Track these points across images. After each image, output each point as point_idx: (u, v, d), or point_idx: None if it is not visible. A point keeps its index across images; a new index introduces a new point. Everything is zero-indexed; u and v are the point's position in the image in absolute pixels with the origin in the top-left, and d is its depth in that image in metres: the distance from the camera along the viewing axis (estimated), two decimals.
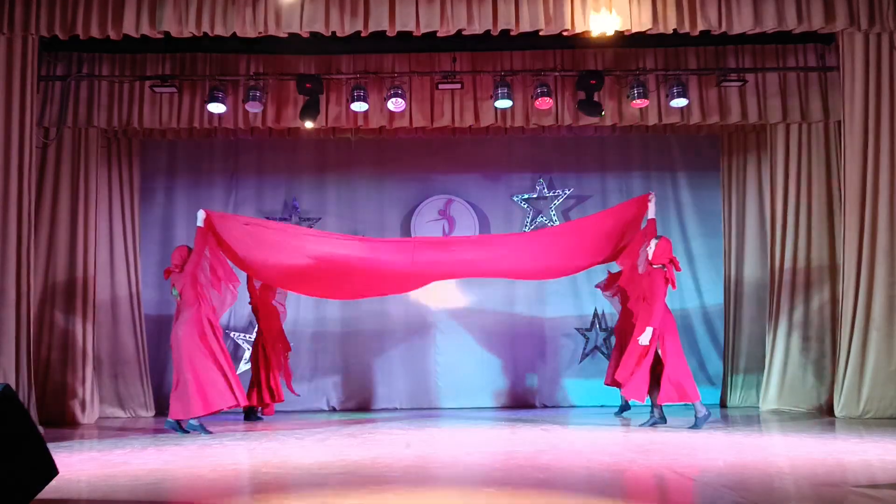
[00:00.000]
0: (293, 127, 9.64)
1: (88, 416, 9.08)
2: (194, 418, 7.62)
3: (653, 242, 7.75)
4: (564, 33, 8.31)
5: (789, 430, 7.46)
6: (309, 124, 9.26)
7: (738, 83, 9.23)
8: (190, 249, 7.97)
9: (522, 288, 10.77)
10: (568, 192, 10.80)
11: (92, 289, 9.27)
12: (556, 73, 9.33)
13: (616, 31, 8.24)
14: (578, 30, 8.18)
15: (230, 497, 4.73)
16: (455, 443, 6.98)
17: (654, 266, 7.67)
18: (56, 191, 9.20)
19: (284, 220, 10.72)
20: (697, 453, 6.11)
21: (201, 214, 8.06)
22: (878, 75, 8.43)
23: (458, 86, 9.23)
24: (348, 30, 8.14)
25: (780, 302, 9.46)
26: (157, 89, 9.19)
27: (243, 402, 7.86)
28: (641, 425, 7.87)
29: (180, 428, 7.63)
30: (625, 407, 9.31)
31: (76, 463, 5.86)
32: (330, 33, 8.19)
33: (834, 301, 9.22)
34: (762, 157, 10.08)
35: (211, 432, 7.66)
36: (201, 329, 7.65)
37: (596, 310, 10.62)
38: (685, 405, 7.84)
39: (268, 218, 10.71)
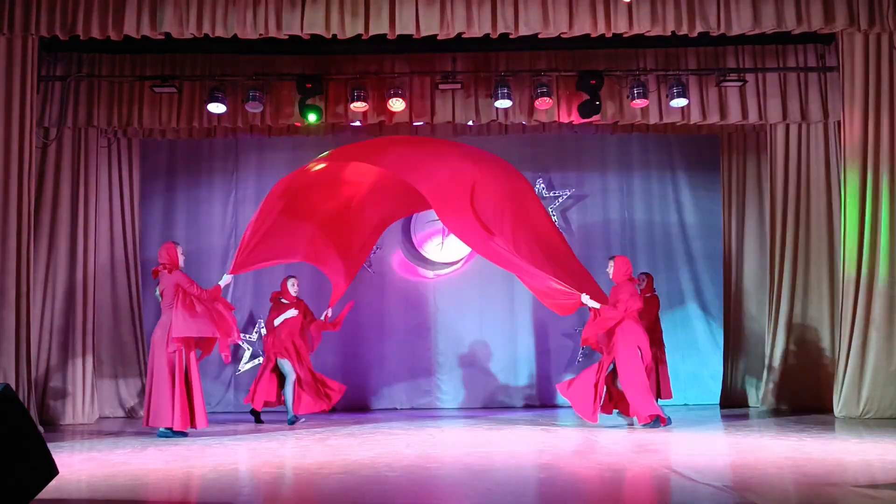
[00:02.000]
0: (293, 126, 9.64)
1: (88, 416, 9.08)
2: (164, 427, 7.37)
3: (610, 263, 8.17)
4: (563, 35, 8.32)
5: (789, 430, 7.46)
6: (313, 117, 9.19)
7: (738, 83, 9.23)
8: (176, 244, 7.79)
9: (523, 287, 10.77)
10: (568, 192, 10.80)
11: (92, 289, 9.27)
12: (556, 74, 9.33)
13: (615, 32, 8.26)
14: (577, 32, 8.21)
15: (230, 497, 4.73)
16: (455, 443, 6.98)
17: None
18: (56, 191, 9.19)
19: None
20: (697, 453, 6.12)
21: (227, 279, 7.80)
22: (878, 75, 8.43)
23: (458, 86, 9.23)
24: (349, 33, 8.14)
25: (780, 302, 9.46)
26: (157, 89, 9.18)
27: (176, 426, 7.33)
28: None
29: (172, 433, 7.40)
30: None
31: (76, 463, 5.86)
32: (331, 36, 8.19)
33: (834, 301, 9.22)
34: (762, 157, 10.08)
35: (183, 433, 7.46)
36: (169, 335, 7.38)
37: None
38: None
39: None
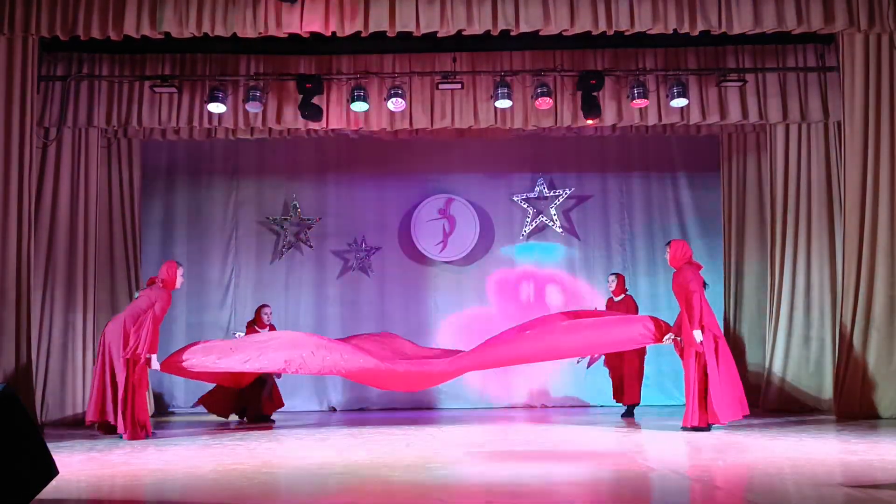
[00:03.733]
0: (293, 127, 9.63)
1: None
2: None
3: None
4: (564, 33, 8.31)
5: (789, 430, 7.46)
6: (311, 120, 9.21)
7: (738, 83, 9.22)
8: (179, 265, 7.85)
9: (523, 287, 10.80)
10: (568, 192, 10.81)
11: (92, 289, 9.26)
12: (556, 73, 9.32)
13: (616, 31, 8.25)
14: (578, 30, 8.20)
15: (230, 497, 4.73)
16: (455, 443, 6.98)
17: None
18: (56, 191, 9.18)
19: (285, 219, 10.72)
20: (698, 453, 6.12)
21: (154, 366, 7.63)
22: (878, 75, 8.42)
23: (458, 86, 9.22)
24: (348, 30, 8.14)
25: (780, 302, 9.46)
26: (157, 89, 9.17)
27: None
28: None
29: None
30: (629, 411, 9.17)
31: (76, 463, 5.86)
32: (330, 34, 8.19)
33: (834, 301, 9.22)
34: (762, 157, 10.08)
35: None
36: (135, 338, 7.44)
37: (595, 309, 10.60)
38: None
39: (267, 219, 10.74)
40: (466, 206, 10.79)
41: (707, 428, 7.30)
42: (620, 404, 9.11)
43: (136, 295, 7.76)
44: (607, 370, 9.23)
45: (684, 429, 7.39)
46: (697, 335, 7.30)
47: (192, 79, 9.29)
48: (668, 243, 7.91)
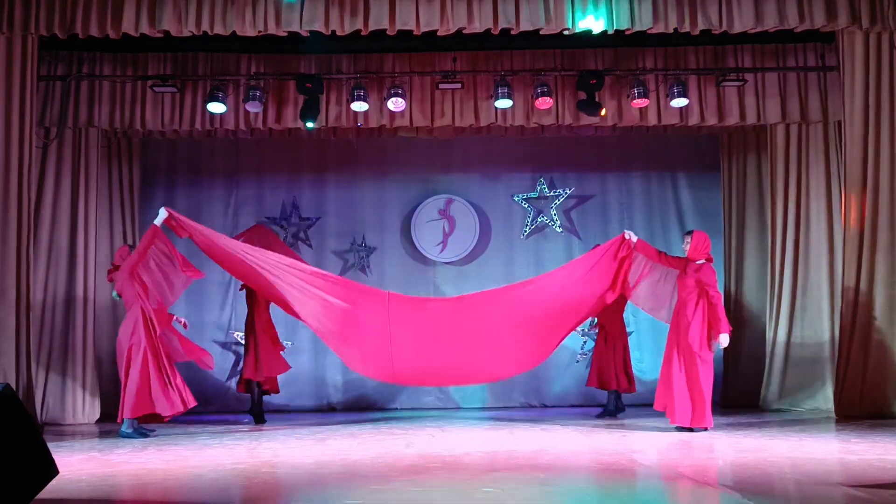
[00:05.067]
0: (293, 127, 9.64)
1: (88, 416, 9.07)
2: (126, 425, 7.40)
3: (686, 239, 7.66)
4: (565, 32, 8.31)
5: (789, 430, 7.45)
6: (310, 124, 9.22)
7: (738, 83, 9.21)
8: (130, 247, 7.89)
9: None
10: (568, 192, 10.81)
11: (92, 288, 9.27)
12: (556, 73, 9.32)
13: (616, 31, 8.24)
14: (578, 29, 8.19)
15: (230, 497, 4.73)
16: (455, 443, 6.97)
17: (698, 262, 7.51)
18: (56, 191, 9.18)
19: (285, 220, 10.72)
20: (697, 453, 6.11)
21: (163, 213, 7.80)
22: (879, 74, 8.42)
23: (458, 86, 9.23)
24: (348, 29, 8.13)
25: (781, 302, 9.46)
26: (157, 89, 9.17)
27: (175, 410, 7.52)
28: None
29: (133, 433, 7.43)
30: (614, 410, 9.11)
31: (76, 463, 5.86)
32: (330, 32, 8.18)
33: (834, 301, 9.22)
34: (762, 157, 10.09)
35: (147, 434, 7.51)
36: (145, 328, 7.46)
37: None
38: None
39: (267, 219, 10.73)
40: (466, 206, 10.79)
41: (699, 430, 7.29)
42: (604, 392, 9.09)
43: (116, 294, 7.77)
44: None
45: (679, 428, 7.39)
46: (725, 339, 7.29)
47: (193, 79, 9.29)
48: (690, 232, 7.72)
